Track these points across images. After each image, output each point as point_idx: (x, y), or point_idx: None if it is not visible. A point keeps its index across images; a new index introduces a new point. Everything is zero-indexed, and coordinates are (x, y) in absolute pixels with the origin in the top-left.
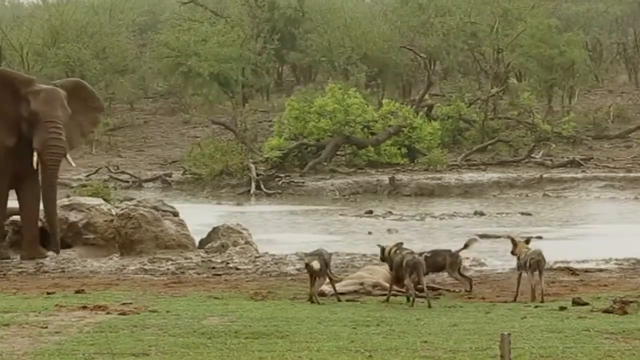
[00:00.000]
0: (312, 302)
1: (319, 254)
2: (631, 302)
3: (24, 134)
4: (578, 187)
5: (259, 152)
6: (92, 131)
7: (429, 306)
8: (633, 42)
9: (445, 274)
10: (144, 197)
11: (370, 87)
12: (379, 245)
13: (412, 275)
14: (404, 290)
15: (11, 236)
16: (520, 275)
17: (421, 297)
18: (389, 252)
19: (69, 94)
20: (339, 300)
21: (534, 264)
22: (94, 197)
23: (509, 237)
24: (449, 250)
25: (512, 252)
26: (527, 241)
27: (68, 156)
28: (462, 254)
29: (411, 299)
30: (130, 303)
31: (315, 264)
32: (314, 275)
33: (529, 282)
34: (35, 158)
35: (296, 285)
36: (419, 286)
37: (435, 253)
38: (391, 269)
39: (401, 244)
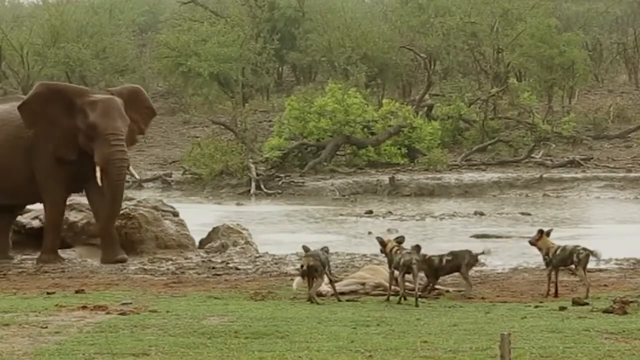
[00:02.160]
0: (312, 302)
1: (315, 254)
2: (631, 302)
3: (81, 146)
4: (578, 187)
5: (259, 152)
6: (144, 132)
7: (417, 305)
8: (633, 42)
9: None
10: (144, 197)
11: (370, 87)
12: (377, 238)
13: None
14: (407, 290)
15: (12, 236)
16: (551, 271)
17: (410, 295)
18: (390, 250)
19: (125, 102)
20: (339, 300)
21: (583, 259)
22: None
23: (540, 229)
24: (469, 251)
25: (532, 243)
26: (548, 233)
27: (131, 168)
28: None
29: (400, 297)
30: (130, 303)
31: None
32: (311, 275)
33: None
34: (98, 173)
35: None
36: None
37: (454, 255)
38: (390, 267)
39: (402, 238)
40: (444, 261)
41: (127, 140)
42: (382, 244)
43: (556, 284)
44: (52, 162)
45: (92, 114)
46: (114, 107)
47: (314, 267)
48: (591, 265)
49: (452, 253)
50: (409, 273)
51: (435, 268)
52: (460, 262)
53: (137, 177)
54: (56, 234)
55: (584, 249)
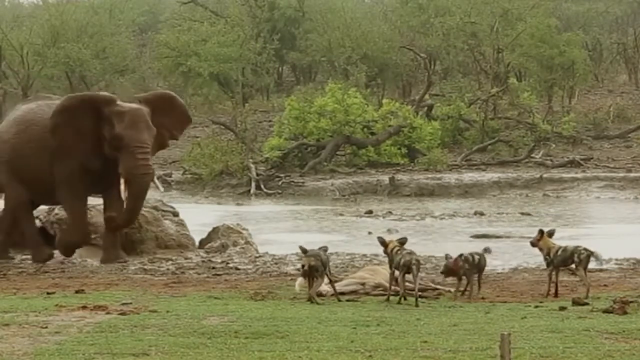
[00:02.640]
0: (312, 302)
1: (315, 255)
2: (631, 302)
3: (106, 154)
4: (578, 187)
5: (259, 152)
6: (177, 138)
7: (417, 305)
8: (633, 42)
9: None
10: None
11: (370, 87)
12: (379, 238)
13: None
14: (407, 290)
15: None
16: (552, 272)
17: (410, 295)
18: (391, 251)
19: (154, 108)
20: (339, 300)
21: (584, 259)
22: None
23: (540, 229)
24: (484, 255)
25: (533, 244)
26: (551, 234)
27: (155, 180)
28: None
29: (400, 297)
30: (130, 303)
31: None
32: (312, 275)
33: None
34: (122, 186)
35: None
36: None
37: (480, 255)
38: (391, 267)
39: (405, 239)
40: (477, 260)
41: (156, 145)
42: (384, 244)
43: (556, 284)
44: (75, 166)
45: (119, 125)
46: (141, 118)
47: (315, 267)
48: (591, 265)
49: (478, 254)
50: (409, 273)
51: (476, 265)
52: (483, 263)
53: (162, 189)
54: (78, 232)
55: (585, 249)
